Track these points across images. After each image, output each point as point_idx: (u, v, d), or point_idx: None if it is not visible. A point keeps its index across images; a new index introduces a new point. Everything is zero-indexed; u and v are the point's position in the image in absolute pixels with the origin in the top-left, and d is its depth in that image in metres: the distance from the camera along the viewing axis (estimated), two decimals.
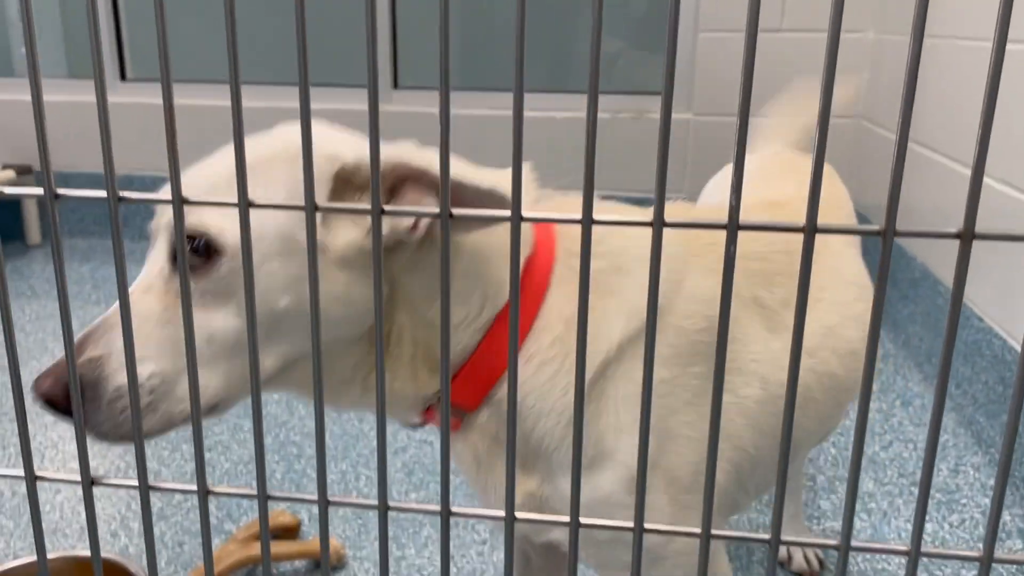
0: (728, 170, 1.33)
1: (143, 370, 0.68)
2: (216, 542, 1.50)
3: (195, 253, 0.69)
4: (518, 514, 0.50)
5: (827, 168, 1.28)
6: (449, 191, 0.45)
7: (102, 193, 0.50)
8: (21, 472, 0.58)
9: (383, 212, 0.46)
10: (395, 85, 3.20)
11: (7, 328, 0.54)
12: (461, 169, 0.75)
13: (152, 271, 0.72)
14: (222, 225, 0.68)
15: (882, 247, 0.44)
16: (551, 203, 0.83)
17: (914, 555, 0.48)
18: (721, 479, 0.84)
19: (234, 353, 0.70)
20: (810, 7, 2.83)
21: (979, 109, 0.40)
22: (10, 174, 3.20)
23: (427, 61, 3.27)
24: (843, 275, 1.01)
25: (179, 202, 0.49)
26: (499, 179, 0.70)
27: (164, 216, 0.73)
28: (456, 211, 0.46)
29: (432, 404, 0.79)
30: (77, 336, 0.71)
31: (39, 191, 0.51)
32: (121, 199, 0.51)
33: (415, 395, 0.78)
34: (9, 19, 3.79)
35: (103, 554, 0.62)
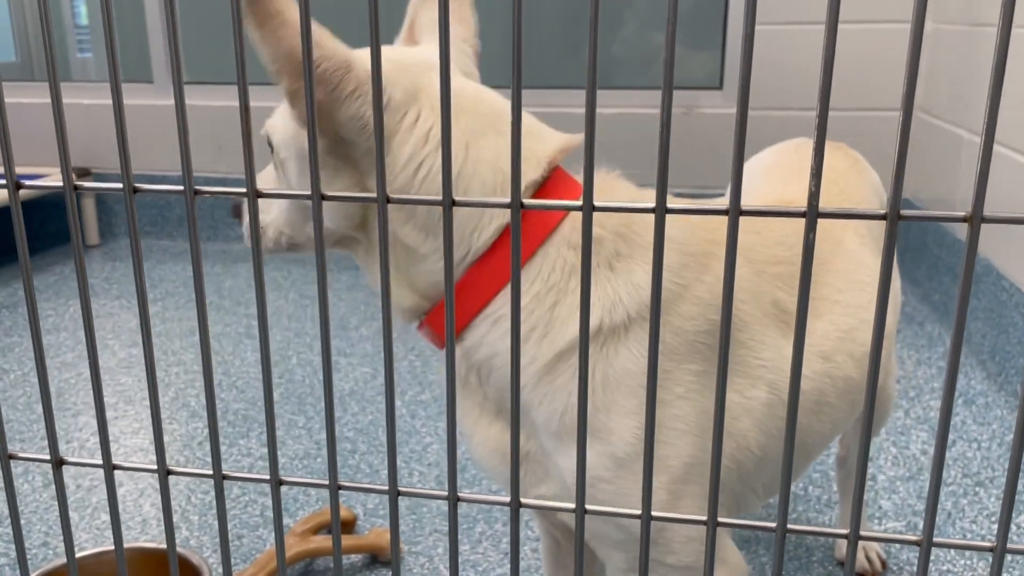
0: (752, 161, 1.27)
1: (264, 217, 0.95)
2: (273, 536, 1.52)
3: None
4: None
5: (852, 157, 1.24)
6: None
7: (179, 188, 0.51)
8: (97, 461, 0.59)
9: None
10: None
11: (88, 326, 0.55)
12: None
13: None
14: (274, 125, 0.90)
15: (968, 235, 0.43)
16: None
17: (1000, 551, 0.47)
18: (722, 474, 0.85)
19: (289, 206, 0.94)
20: None
21: None
22: None
23: None
24: (859, 277, 1.01)
25: (254, 195, 0.50)
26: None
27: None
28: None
29: (421, 320, 0.87)
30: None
31: (118, 186, 0.52)
32: (197, 192, 0.52)
33: (396, 305, 0.86)
34: (65, 24, 3.88)
35: (165, 546, 0.64)
